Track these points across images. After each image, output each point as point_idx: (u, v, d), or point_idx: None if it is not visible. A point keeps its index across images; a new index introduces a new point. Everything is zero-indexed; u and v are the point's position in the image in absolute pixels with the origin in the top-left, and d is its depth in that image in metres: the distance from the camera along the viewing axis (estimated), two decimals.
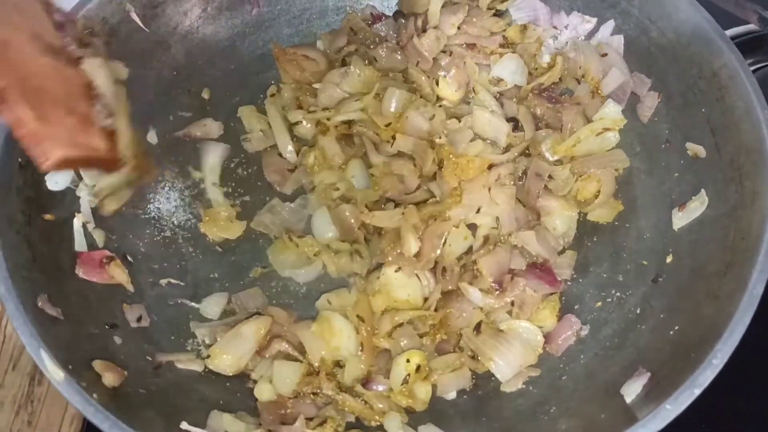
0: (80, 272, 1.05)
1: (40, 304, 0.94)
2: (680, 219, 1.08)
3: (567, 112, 1.22)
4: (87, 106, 0.84)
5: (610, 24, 1.24)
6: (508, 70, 1.26)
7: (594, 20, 1.26)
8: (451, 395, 1.06)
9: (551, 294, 1.12)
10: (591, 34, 1.27)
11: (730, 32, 1.46)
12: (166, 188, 1.23)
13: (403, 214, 1.12)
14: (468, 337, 1.08)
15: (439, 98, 1.28)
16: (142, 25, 1.20)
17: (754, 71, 1.39)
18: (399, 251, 1.11)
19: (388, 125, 1.22)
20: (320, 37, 1.34)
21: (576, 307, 1.12)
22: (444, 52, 1.28)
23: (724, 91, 1.06)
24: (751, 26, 1.43)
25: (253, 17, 1.33)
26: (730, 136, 1.04)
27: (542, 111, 1.25)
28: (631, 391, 0.93)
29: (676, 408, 0.84)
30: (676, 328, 0.98)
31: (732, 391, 0.97)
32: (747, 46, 1.44)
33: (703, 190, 1.06)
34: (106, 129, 0.85)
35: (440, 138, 1.20)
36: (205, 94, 1.31)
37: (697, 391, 0.84)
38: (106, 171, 0.88)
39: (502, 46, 1.28)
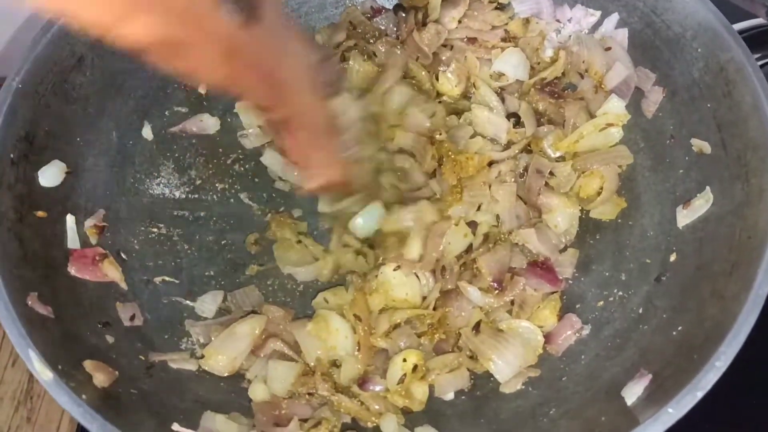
0: (72, 270, 1.03)
1: (30, 302, 0.93)
2: (685, 217, 1.06)
3: (570, 108, 1.19)
4: (335, 136, 0.96)
5: (614, 17, 1.21)
6: (510, 64, 1.23)
7: (598, 13, 1.24)
8: (449, 396, 1.04)
9: (552, 293, 1.10)
10: (595, 28, 1.25)
11: (737, 26, 1.43)
12: (161, 184, 1.22)
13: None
14: (467, 336, 1.06)
15: (439, 94, 1.26)
16: None
17: (761, 66, 1.37)
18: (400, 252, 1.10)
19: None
20: (319, 30, 1.32)
21: (577, 306, 1.10)
22: (445, 46, 1.26)
23: (731, 86, 1.04)
24: (759, 20, 1.40)
25: None
26: (737, 132, 1.02)
27: (544, 106, 1.23)
28: (633, 393, 0.91)
29: (678, 411, 0.82)
30: (680, 328, 0.96)
31: (735, 392, 0.94)
32: (755, 40, 1.41)
33: (708, 188, 1.04)
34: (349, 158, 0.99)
35: (440, 134, 1.18)
36: (202, 90, 1.29)
37: (700, 394, 0.82)
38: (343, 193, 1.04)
39: (504, 40, 1.25)
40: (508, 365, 1.02)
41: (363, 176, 1.05)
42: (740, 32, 1.42)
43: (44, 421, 1.17)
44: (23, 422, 1.17)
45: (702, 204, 1.04)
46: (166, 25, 0.59)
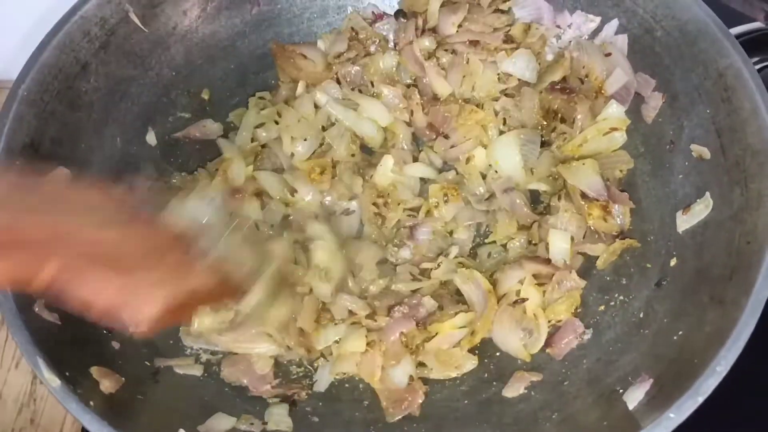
0: None
1: (37, 309, 0.93)
2: (684, 222, 1.07)
3: (582, 105, 1.20)
4: (177, 254, 0.82)
5: (614, 23, 1.22)
6: (518, 66, 1.25)
7: (598, 19, 1.25)
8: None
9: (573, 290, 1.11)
10: (595, 34, 1.25)
11: (735, 30, 1.44)
12: None
13: None
14: None
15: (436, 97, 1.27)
16: (141, 25, 1.20)
17: (759, 70, 1.38)
18: None
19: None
20: (320, 36, 1.33)
21: (579, 310, 1.11)
22: (446, 50, 1.27)
23: (731, 92, 1.04)
24: (758, 24, 1.41)
25: (253, 16, 1.32)
26: (736, 138, 1.03)
27: (557, 105, 1.23)
28: (634, 397, 0.92)
29: (679, 416, 0.83)
30: (680, 333, 0.96)
31: (736, 396, 0.95)
32: (753, 44, 1.42)
33: (707, 193, 1.05)
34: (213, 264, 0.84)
35: None
36: (205, 95, 1.30)
37: (701, 399, 0.83)
38: (229, 300, 0.89)
39: (506, 42, 1.26)
40: None
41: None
42: (738, 36, 1.43)
43: (48, 424, 1.17)
44: (27, 424, 1.17)
45: (702, 209, 1.05)
46: None
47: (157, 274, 0.77)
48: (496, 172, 1.22)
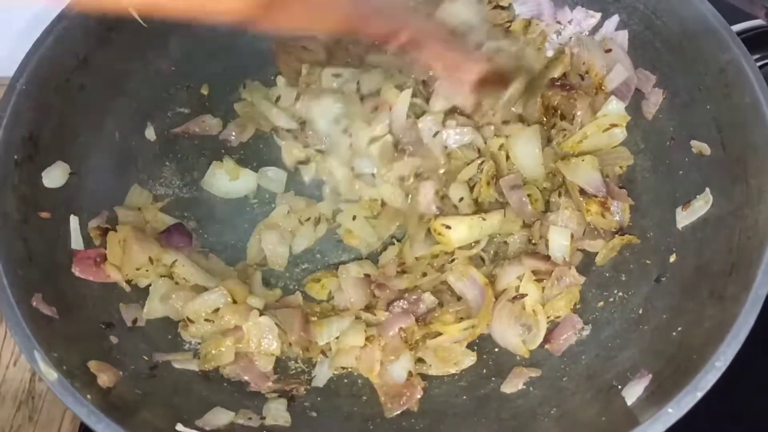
0: (77, 271, 1.04)
1: (34, 303, 0.93)
2: (684, 218, 1.07)
3: (581, 101, 1.20)
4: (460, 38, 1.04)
5: (615, 19, 1.22)
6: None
7: (598, 15, 1.24)
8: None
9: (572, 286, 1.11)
10: (595, 30, 1.25)
11: (737, 27, 1.43)
12: (164, 185, 1.23)
13: None
14: None
15: None
16: (140, 20, 1.19)
17: (760, 67, 1.38)
18: None
19: None
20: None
21: (577, 306, 1.11)
22: None
23: (731, 88, 1.04)
24: (759, 21, 1.41)
25: None
26: (737, 134, 1.03)
27: (557, 101, 1.23)
28: (633, 393, 0.91)
29: (678, 411, 0.82)
30: (679, 329, 0.96)
31: (735, 391, 0.95)
32: (754, 41, 1.41)
33: (707, 189, 1.05)
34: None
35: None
36: (204, 90, 1.30)
37: (700, 394, 0.83)
38: (501, 87, 1.10)
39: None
40: None
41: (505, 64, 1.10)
42: (739, 33, 1.42)
43: (46, 421, 1.18)
44: (25, 421, 1.18)
45: (701, 205, 1.05)
46: None
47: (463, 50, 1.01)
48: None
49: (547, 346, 1.08)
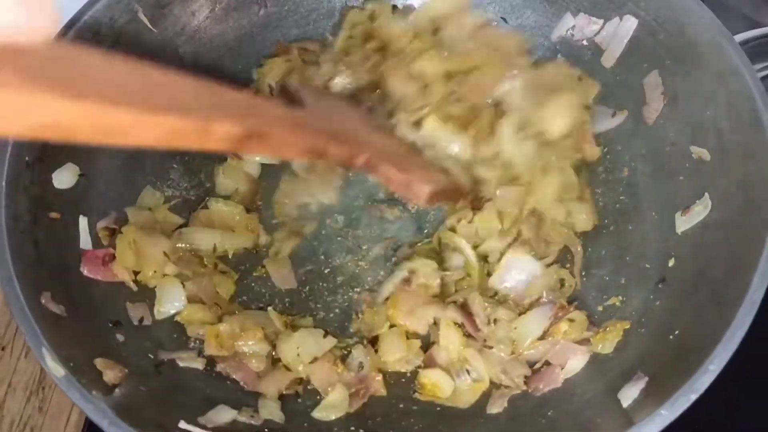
0: (85, 270, 1.06)
1: (44, 301, 0.95)
2: (684, 223, 1.08)
3: None
4: (419, 156, 1.04)
5: (615, 21, 1.23)
6: None
7: (601, 21, 1.25)
8: None
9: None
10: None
11: (744, 35, 1.45)
12: (171, 187, 1.25)
13: None
14: None
15: None
16: (149, 25, 1.22)
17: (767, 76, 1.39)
18: None
19: None
20: (325, 37, 1.35)
21: (583, 311, 1.11)
22: None
23: (731, 95, 1.05)
24: (764, 30, 1.42)
25: (260, 18, 1.34)
26: (736, 140, 1.03)
27: None
28: (629, 395, 0.92)
29: (672, 413, 0.83)
30: (677, 332, 0.97)
31: (730, 395, 0.96)
32: (763, 48, 1.43)
33: (707, 194, 1.05)
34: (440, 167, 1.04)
35: None
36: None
37: (694, 397, 0.84)
38: (456, 201, 1.09)
39: None
40: None
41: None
42: (747, 41, 1.44)
43: (55, 411, 1.20)
44: (35, 412, 1.20)
45: (701, 210, 1.05)
46: (244, 127, 0.68)
47: (419, 166, 1.01)
48: None
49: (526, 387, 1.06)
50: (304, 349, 1.06)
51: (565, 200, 1.18)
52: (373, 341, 1.10)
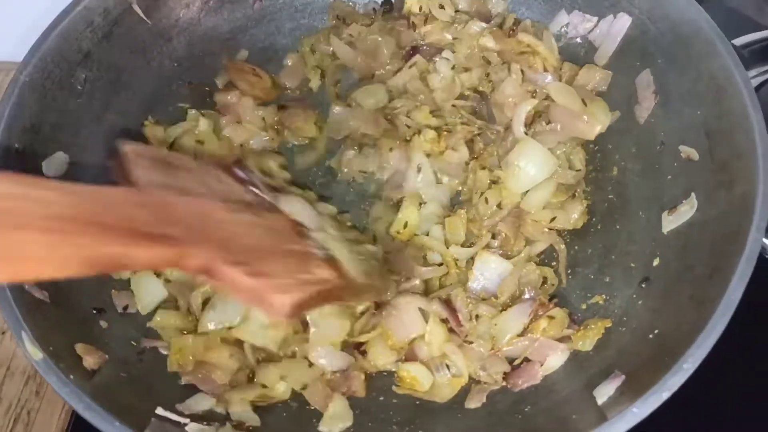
0: None
1: (27, 286, 0.96)
2: (670, 222, 1.07)
3: None
4: (299, 243, 0.86)
5: (609, 19, 1.23)
6: None
7: (595, 19, 1.26)
8: None
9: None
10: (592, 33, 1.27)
11: (747, 38, 1.44)
12: None
13: None
14: None
15: None
16: (144, 16, 1.23)
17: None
18: None
19: None
20: (320, 31, 1.36)
21: (564, 309, 1.11)
22: None
23: (721, 94, 1.04)
24: (766, 33, 1.41)
25: (255, 11, 1.35)
26: (724, 140, 1.03)
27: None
28: (604, 393, 0.92)
29: (643, 411, 0.83)
30: (656, 331, 0.97)
31: (708, 394, 0.95)
32: (764, 52, 1.42)
33: (693, 194, 1.05)
34: (326, 258, 0.87)
35: None
36: (206, 86, 1.33)
37: (666, 395, 0.83)
38: (348, 301, 0.96)
39: None
40: None
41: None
42: (749, 44, 1.43)
43: (52, 396, 1.21)
44: (32, 396, 1.21)
45: (687, 210, 1.05)
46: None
47: (286, 264, 0.81)
48: None
49: (505, 383, 1.05)
50: (292, 379, 1.05)
51: (557, 200, 1.18)
52: (358, 345, 1.09)
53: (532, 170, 1.15)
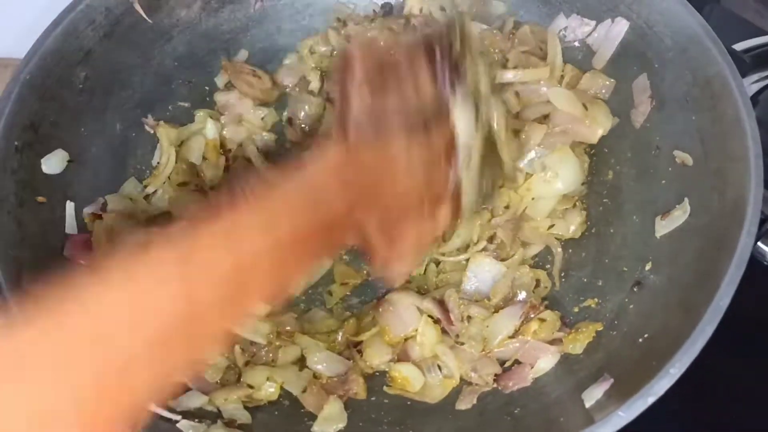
0: (68, 254, 1.08)
1: (24, 283, 0.97)
2: (663, 227, 1.07)
3: None
4: (443, 179, 0.77)
5: (607, 23, 1.23)
6: None
7: (593, 23, 1.26)
8: None
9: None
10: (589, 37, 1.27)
11: (747, 43, 1.44)
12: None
13: None
14: None
15: None
16: (145, 15, 1.24)
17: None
18: None
19: None
20: (318, 34, 1.37)
21: (553, 310, 1.12)
22: None
23: (716, 100, 1.05)
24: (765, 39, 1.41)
25: (256, 11, 1.36)
26: (718, 146, 1.03)
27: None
28: (592, 396, 0.93)
29: (629, 415, 0.83)
30: (645, 336, 0.97)
31: (693, 398, 0.96)
32: (765, 57, 1.42)
33: (686, 199, 1.05)
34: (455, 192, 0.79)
35: None
36: (206, 86, 1.34)
37: (651, 399, 0.83)
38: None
39: None
40: None
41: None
42: (749, 50, 1.43)
43: None
44: None
45: (680, 215, 1.05)
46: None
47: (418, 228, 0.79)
48: None
49: (496, 384, 1.06)
50: (288, 384, 1.05)
51: (561, 207, 1.19)
52: (356, 344, 1.10)
53: (566, 180, 1.16)
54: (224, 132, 1.27)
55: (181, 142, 1.26)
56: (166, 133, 1.23)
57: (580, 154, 1.20)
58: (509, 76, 1.21)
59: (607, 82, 1.22)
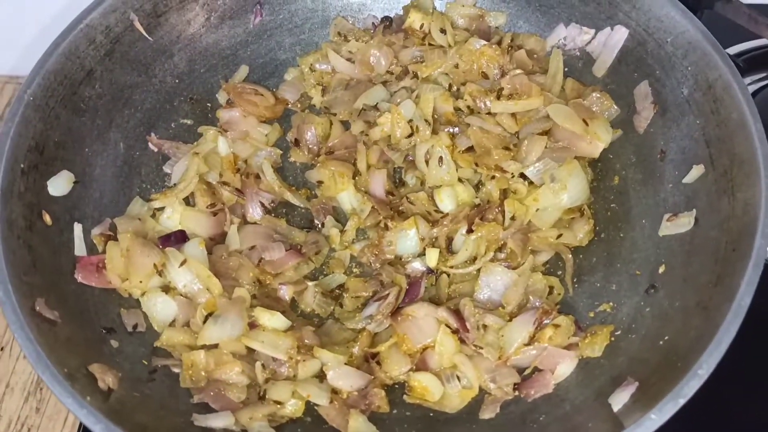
0: (79, 276, 1.07)
1: (38, 307, 0.96)
2: (666, 228, 1.09)
3: None
4: None
5: (607, 32, 1.25)
6: None
7: (592, 31, 1.28)
8: None
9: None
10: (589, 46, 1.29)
11: (740, 47, 1.47)
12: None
13: None
14: None
15: None
16: (145, 33, 1.23)
17: (762, 87, 1.40)
18: None
19: None
20: (322, 46, 1.37)
21: (569, 316, 1.12)
22: None
23: (719, 104, 1.07)
24: (763, 41, 1.43)
25: (255, 27, 1.35)
26: (724, 148, 1.05)
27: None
28: (619, 400, 0.93)
29: (661, 417, 0.84)
30: (666, 338, 0.98)
31: (720, 399, 0.96)
32: (758, 60, 1.44)
33: (694, 210, 1.07)
34: None
35: None
36: (208, 102, 1.33)
37: (682, 401, 0.84)
38: None
39: None
40: None
41: None
42: (744, 53, 1.46)
43: (52, 412, 1.22)
44: (32, 413, 1.22)
45: (685, 223, 1.07)
46: None
47: None
48: None
49: (518, 392, 1.05)
50: (314, 397, 1.04)
51: (568, 217, 1.20)
52: (374, 356, 1.10)
53: (572, 193, 1.17)
54: (231, 149, 1.25)
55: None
56: (196, 164, 1.21)
57: (584, 167, 1.21)
58: (501, 107, 1.23)
59: (610, 107, 1.23)
